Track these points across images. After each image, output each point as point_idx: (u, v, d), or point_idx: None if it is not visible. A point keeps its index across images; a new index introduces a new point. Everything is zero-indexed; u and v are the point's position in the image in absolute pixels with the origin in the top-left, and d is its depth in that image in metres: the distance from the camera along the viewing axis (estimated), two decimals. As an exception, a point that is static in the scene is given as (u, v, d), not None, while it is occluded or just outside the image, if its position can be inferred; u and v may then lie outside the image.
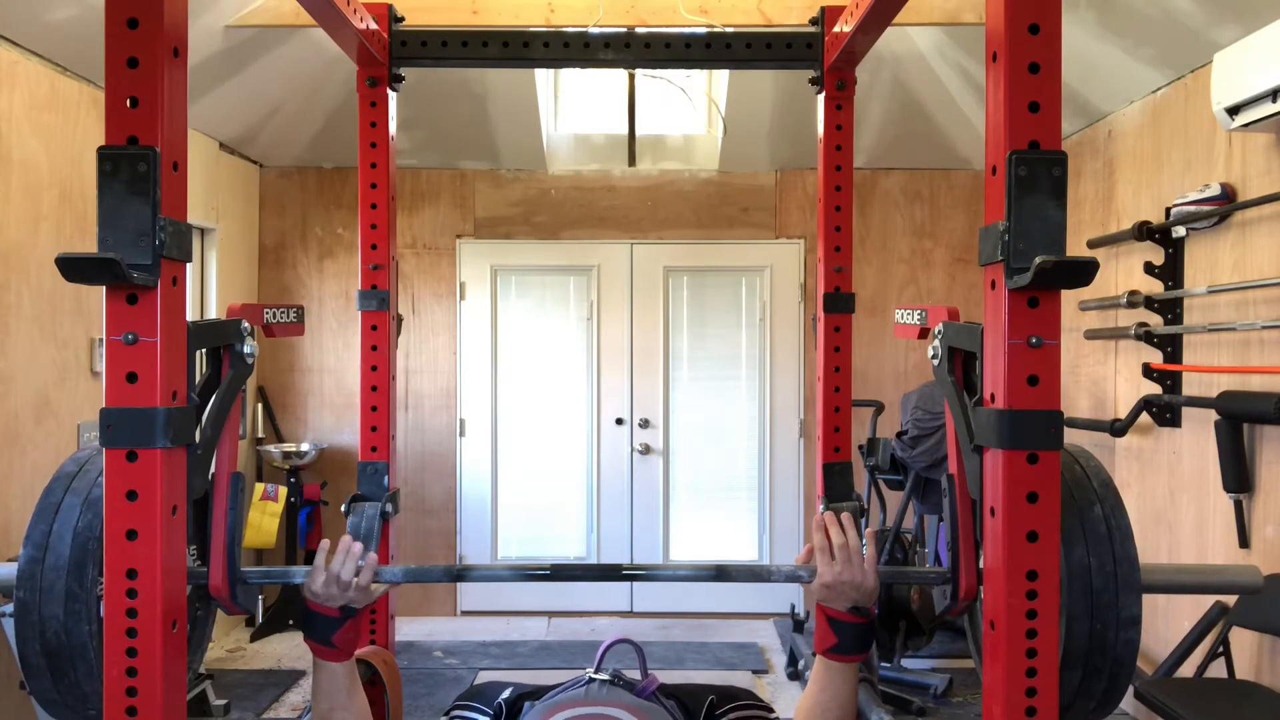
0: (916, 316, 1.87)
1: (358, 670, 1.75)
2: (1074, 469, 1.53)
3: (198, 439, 1.46)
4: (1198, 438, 3.54)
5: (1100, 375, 4.29)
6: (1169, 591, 1.63)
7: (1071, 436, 4.41)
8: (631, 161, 5.50)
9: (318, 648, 1.64)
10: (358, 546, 1.64)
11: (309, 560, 5.13)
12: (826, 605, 1.62)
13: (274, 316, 1.91)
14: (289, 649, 4.95)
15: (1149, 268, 3.74)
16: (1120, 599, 1.42)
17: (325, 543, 1.67)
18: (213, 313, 4.95)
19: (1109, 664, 1.43)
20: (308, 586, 1.62)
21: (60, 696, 1.47)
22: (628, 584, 5.52)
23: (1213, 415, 3.32)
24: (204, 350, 1.61)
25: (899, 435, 4.49)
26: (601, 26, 2.82)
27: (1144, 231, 3.75)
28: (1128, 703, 3.87)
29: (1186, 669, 3.38)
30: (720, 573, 1.66)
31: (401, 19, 2.49)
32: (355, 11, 2.21)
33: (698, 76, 5.20)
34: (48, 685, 1.46)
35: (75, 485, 1.51)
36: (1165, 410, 3.71)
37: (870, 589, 1.58)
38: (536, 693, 1.96)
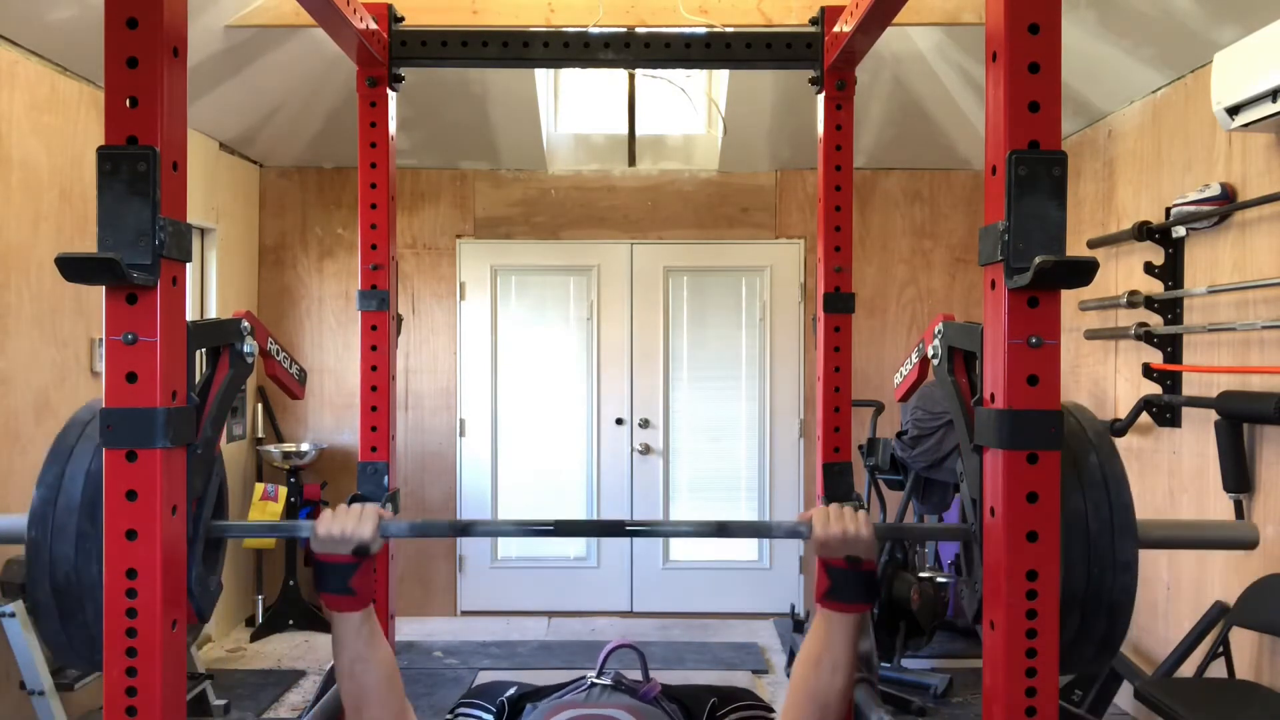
0: (914, 356, 1.87)
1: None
2: (1068, 421, 1.54)
3: (198, 439, 1.46)
4: (1198, 438, 3.54)
5: (1100, 375, 4.29)
6: (1165, 546, 1.65)
7: (1071, 436, 4.40)
8: (631, 161, 5.50)
9: (334, 598, 1.59)
10: (356, 506, 1.62)
11: (308, 561, 5.13)
12: (824, 556, 1.62)
13: (277, 353, 1.90)
14: (289, 649, 4.95)
15: (1149, 268, 3.74)
16: (1116, 544, 1.43)
17: (327, 511, 1.65)
18: (213, 313, 4.95)
19: (1105, 608, 1.45)
20: (314, 536, 1.58)
21: (68, 639, 1.47)
22: (628, 583, 5.52)
23: (1213, 415, 3.32)
24: (204, 350, 1.61)
25: (899, 435, 4.49)
26: (601, 26, 2.82)
27: (1144, 231, 3.75)
28: (1128, 703, 3.87)
29: (1186, 669, 3.38)
30: (721, 528, 1.66)
31: (401, 19, 2.49)
32: (355, 11, 2.21)
33: (698, 76, 5.20)
34: (56, 627, 1.46)
35: (89, 431, 1.50)
36: (1165, 410, 3.71)
37: (865, 540, 1.57)
38: (539, 693, 1.97)
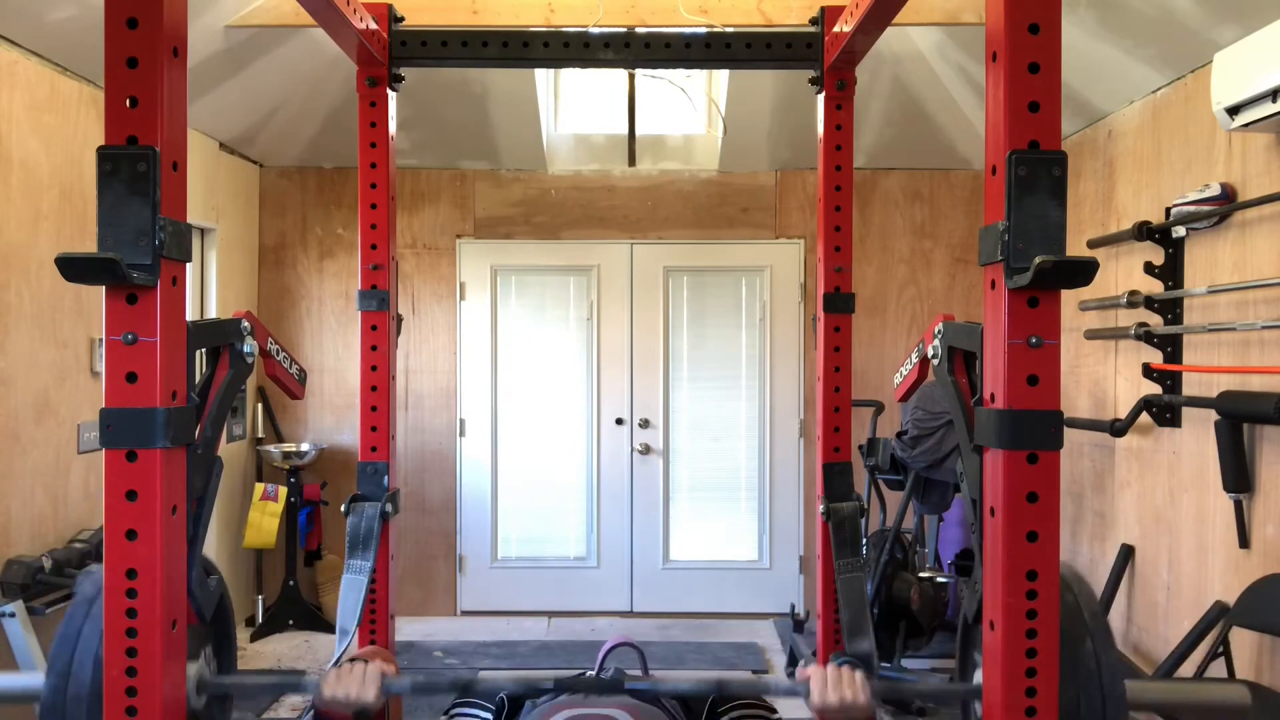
0: (914, 356, 1.87)
1: None
2: (1066, 597, 1.53)
3: (198, 438, 1.46)
4: (1198, 438, 3.54)
5: (1100, 375, 4.29)
6: (1157, 710, 1.66)
7: (1071, 436, 4.41)
8: (631, 161, 5.50)
9: None
10: (359, 667, 1.65)
11: (308, 561, 5.13)
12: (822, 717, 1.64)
13: (277, 353, 1.90)
14: (289, 649, 4.95)
15: (1149, 268, 3.74)
16: None
17: (333, 671, 1.67)
18: (213, 313, 4.95)
19: None
20: (319, 695, 1.62)
21: None
22: (628, 583, 5.53)
23: (1213, 415, 3.32)
24: (204, 350, 1.61)
25: (899, 435, 4.48)
26: (601, 26, 2.82)
27: (1144, 231, 3.75)
28: (1128, 703, 3.87)
29: (1186, 669, 3.38)
30: (720, 686, 1.73)
31: (401, 19, 2.49)
32: (355, 11, 2.21)
33: (698, 76, 5.20)
34: None
35: (94, 610, 1.50)
36: (1165, 410, 3.71)
37: (863, 707, 1.59)
38: (537, 690, 1.96)
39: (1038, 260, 1.20)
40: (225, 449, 4.98)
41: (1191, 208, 3.45)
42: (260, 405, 5.39)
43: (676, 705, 1.93)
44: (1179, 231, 3.64)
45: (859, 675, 1.60)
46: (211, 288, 4.96)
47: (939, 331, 1.67)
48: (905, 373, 1.93)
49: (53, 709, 1.45)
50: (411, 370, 5.48)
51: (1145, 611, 3.89)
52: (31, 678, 1.54)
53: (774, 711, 2.02)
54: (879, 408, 4.98)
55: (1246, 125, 3.01)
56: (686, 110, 5.39)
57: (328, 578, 5.34)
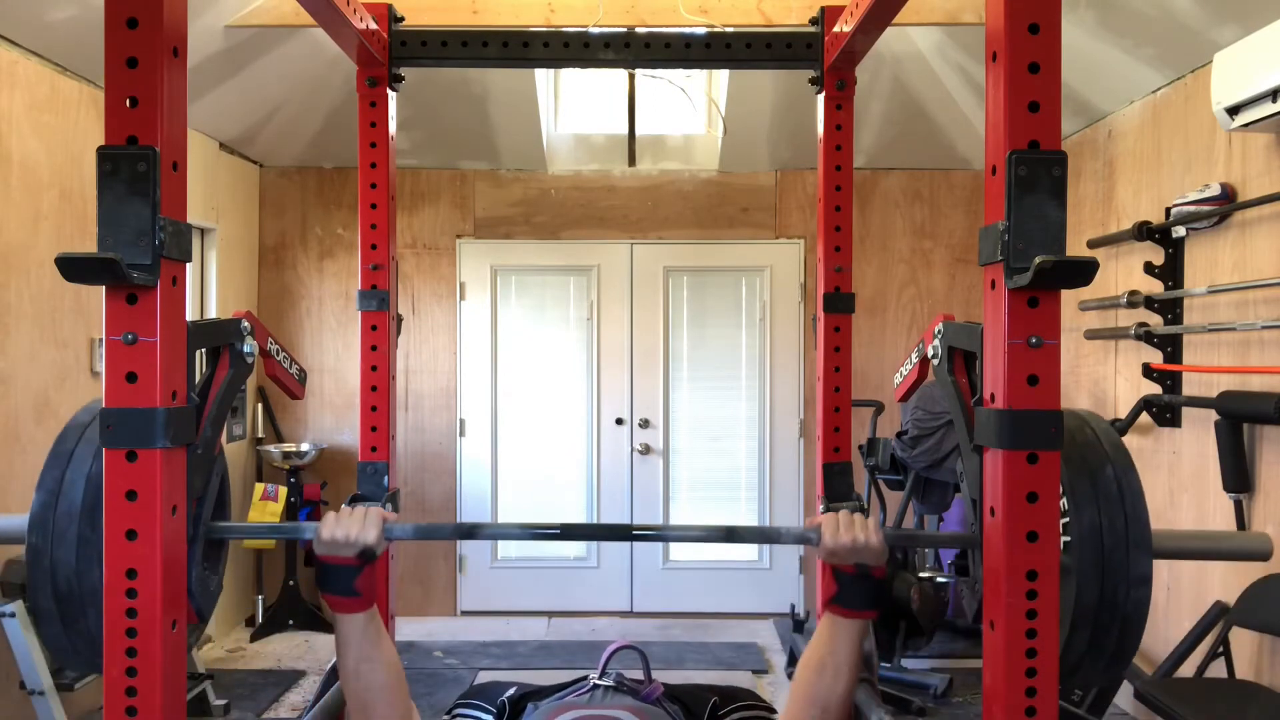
0: (914, 356, 1.87)
1: None
2: (1085, 431, 1.53)
3: (198, 439, 1.46)
4: (1198, 438, 3.54)
5: (1100, 375, 4.29)
6: (1179, 557, 1.63)
7: (1071, 436, 4.40)
8: (631, 161, 5.50)
9: (339, 600, 1.57)
10: (360, 508, 1.59)
11: (308, 561, 5.13)
12: (833, 564, 1.58)
13: (277, 353, 1.90)
14: (289, 649, 4.95)
15: (1149, 268, 3.74)
16: (1130, 557, 1.42)
17: (330, 514, 1.61)
18: (213, 313, 4.95)
19: (1118, 622, 1.43)
20: (318, 539, 1.56)
21: (70, 644, 1.46)
22: (628, 583, 5.52)
23: (1213, 415, 3.32)
24: (204, 350, 1.61)
25: (899, 435, 4.49)
26: (601, 26, 2.82)
27: (1144, 231, 3.75)
28: (1128, 703, 3.87)
29: (1186, 669, 3.38)
30: (730, 534, 1.62)
31: (401, 19, 2.49)
32: (355, 11, 2.21)
33: (698, 76, 5.20)
34: (58, 632, 1.45)
35: (88, 434, 1.48)
36: (1165, 410, 3.71)
37: (875, 548, 1.54)
38: (540, 693, 1.96)
39: (1038, 260, 1.20)
40: (225, 449, 4.98)
41: (1191, 208, 3.45)
42: (260, 405, 5.39)
43: (678, 710, 1.93)
44: (1179, 231, 3.64)
45: (871, 520, 1.58)
46: (211, 288, 4.96)
47: (939, 331, 1.66)
48: (905, 373, 1.93)
49: (41, 523, 1.42)
50: (411, 370, 5.48)
51: (1145, 611, 3.89)
52: (14, 518, 1.50)
53: (774, 712, 2.02)
54: (879, 408, 4.98)
55: (1246, 125, 3.01)
56: (686, 110, 5.39)
57: (328, 578, 5.33)
